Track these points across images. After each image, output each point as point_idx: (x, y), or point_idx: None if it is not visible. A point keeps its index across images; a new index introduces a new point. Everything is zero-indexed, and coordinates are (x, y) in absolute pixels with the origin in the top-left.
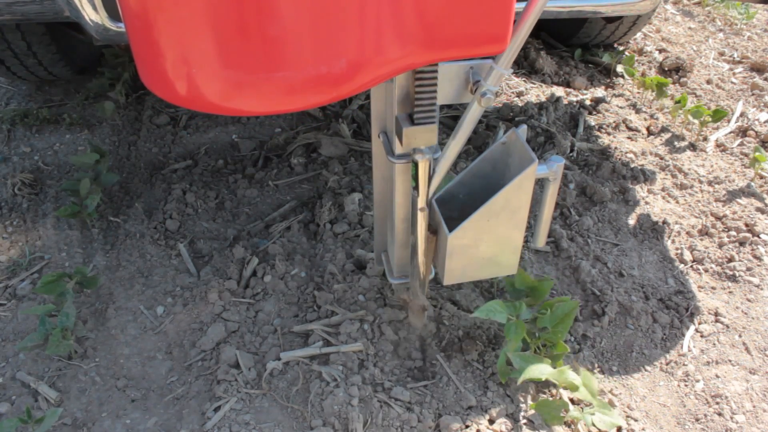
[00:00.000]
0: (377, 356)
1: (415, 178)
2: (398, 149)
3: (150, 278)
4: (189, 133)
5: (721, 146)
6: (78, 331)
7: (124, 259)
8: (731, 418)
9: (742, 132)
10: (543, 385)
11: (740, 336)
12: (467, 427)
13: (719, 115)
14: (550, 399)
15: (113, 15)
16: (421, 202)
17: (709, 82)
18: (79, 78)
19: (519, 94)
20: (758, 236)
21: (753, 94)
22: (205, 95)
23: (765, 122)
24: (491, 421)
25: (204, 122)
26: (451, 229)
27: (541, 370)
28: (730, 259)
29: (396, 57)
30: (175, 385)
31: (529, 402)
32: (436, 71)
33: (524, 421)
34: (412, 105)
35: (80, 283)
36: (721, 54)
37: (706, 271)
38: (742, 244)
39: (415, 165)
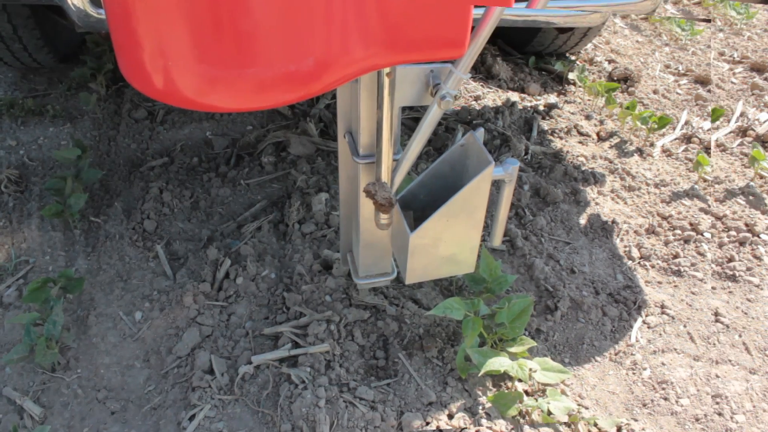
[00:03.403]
0: (343, 356)
1: None
2: (362, 149)
3: (129, 282)
4: (165, 128)
5: (666, 151)
6: (63, 340)
7: (104, 262)
8: (676, 402)
9: (687, 139)
10: (499, 379)
11: (685, 326)
12: (428, 423)
13: (664, 122)
14: (506, 391)
15: (95, 1)
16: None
17: (655, 92)
18: (62, 67)
19: (476, 98)
20: (701, 234)
21: (753, 94)
22: (181, 90)
23: (708, 130)
24: (450, 416)
25: (180, 118)
26: (412, 229)
27: (500, 362)
28: (675, 256)
29: (360, 57)
30: (153, 394)
31: (485, 396)
32: None
33: (482, 414)
34: None
35: (64, 287)
36: (667, 66)
37: (653, 267)
38: (686, 241)
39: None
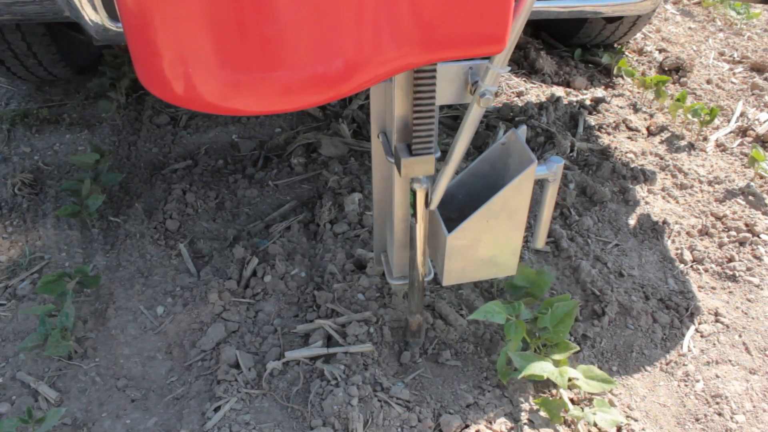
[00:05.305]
0: (380, 356)
1: (413, 206)
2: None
3: (150, 278)
4: (189, 133)
5: (720, 146)
6: (78, 331)
7: (124, 259)
8: (731, 418)
9: (742, 132)
10: (543, 386)
11: (740, 336)
12: (467, 426)
13: (716, 114)
14: (550, 398)
15: (113, 15)
16: (420, 231)
17: (709, 82)
18: (79, 78)
19: (519, 94)
20: (758, 236)
21: (753, 94)
22: (203, 95)
23: (765, 122)
24: (490, 422)
25: (204, 122)
26: (450, 230)
27: (543, 367)
28: (730, 259)
29: (393, 57)
30: (175, 385)
31: (528, 403)
32: (433, 104)
33: (525, 421)
34: (411, 136)
35: (81, 282)
36: (721, 54)
37: (706, 271)
38: (742, 244)
39: (413, 193)
